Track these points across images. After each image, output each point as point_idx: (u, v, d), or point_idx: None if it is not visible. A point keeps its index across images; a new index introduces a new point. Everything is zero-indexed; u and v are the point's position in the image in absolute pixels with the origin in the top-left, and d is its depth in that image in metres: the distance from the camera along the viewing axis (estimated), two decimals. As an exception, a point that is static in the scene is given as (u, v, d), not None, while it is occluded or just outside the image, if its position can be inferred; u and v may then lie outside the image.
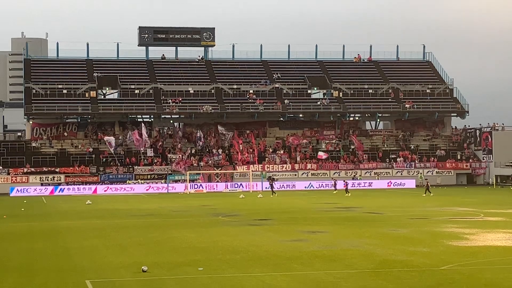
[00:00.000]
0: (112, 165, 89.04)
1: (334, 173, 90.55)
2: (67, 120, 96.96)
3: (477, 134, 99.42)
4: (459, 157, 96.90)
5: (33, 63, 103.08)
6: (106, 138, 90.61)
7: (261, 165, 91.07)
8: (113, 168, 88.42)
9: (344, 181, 76.70)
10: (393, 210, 52.29)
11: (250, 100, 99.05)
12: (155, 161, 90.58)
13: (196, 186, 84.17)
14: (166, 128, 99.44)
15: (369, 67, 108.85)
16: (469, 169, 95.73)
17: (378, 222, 42.62)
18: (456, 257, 28.06)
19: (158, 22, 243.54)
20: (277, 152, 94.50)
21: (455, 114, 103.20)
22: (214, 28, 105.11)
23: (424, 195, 68.68)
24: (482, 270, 25.16)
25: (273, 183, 77.79)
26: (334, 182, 77.15)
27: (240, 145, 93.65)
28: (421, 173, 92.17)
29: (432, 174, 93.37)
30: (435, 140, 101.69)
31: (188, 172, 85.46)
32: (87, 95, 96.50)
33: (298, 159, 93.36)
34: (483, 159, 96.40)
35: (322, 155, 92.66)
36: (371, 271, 24.94)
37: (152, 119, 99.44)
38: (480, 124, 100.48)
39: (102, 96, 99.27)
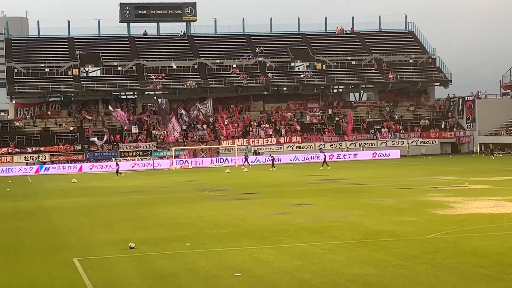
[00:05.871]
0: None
1: (319, 146, 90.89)
2: (50, 99, 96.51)
3: (461, 103, 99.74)
4: (443, 126, 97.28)
5: (15, 42, 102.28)
6: (114, 111, 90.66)
7: (246, 139, 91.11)
8: (98, 145, 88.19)
9: (270, 155, 79.17)
10: (378, 180, 52.53)
11: (233, 75, 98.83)
12: (140, 137, 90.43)
13: (182, 162, 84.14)
14: (150, 104, 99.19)
15: (352, 38, 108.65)
16: (453, 138, 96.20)
17: (363, 193, 42.81)
18: (442, 225, 28.24)
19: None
20: (262, 126, 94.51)
21: (438, 84, 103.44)
22: (195, 2, 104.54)
23: (322, 168, 69.48)
24: (468, 238, 25.32)
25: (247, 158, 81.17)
26: (272, 157, 77.13)
27: (225, 120, 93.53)
28: (408, 144, 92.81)
29: (416, 144, 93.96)
30: (419, 110, 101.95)
31: (173, 148, 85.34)
32: (69, 73, 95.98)
33: (283, 132, 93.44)
34: (467, 128, 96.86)
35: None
36: (357, 242, 25.06)
37: (136, 96, 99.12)
38: (454, 94, 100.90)
39: (85, 74, 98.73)
